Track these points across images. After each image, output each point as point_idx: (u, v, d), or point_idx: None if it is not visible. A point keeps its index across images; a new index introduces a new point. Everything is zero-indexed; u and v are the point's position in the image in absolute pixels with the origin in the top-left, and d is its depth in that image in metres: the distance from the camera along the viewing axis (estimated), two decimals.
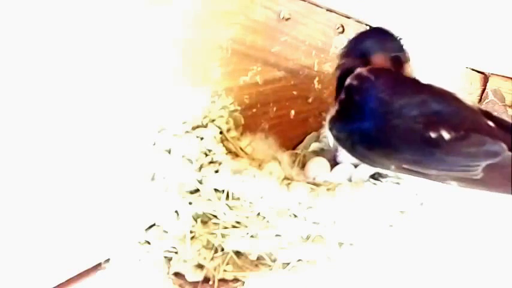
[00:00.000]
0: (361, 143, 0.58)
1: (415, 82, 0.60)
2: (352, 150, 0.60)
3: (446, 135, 0.55)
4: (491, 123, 0.57)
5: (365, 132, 0.58)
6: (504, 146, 0.54)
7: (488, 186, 0.55)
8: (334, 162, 0.71)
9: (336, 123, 0.60)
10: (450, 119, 0.57)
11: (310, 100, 0.78)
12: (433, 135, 0.55)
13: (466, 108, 0.59)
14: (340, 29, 0.77)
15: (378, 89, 0.58)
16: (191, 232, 0.61)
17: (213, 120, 0.65)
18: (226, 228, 0.61)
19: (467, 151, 0.55)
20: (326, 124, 0.62)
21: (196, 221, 0.61)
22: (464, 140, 0.55)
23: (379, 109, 0.57)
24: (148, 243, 0.62)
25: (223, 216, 0.61)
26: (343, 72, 0.62)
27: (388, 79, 0.60)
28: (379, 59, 0.62)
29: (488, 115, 0.58)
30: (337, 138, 0.61)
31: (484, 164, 0.54)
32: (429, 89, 0.59)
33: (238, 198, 0.61)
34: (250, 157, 0.66)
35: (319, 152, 0.75)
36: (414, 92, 0.58)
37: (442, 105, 0.58)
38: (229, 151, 0.65)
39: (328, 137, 0.63)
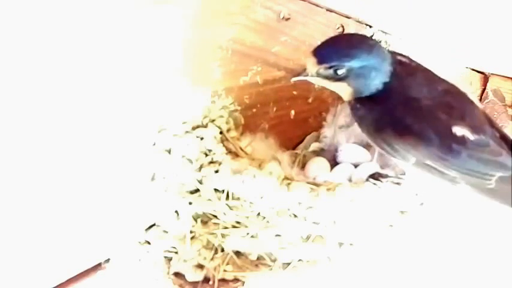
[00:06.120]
0: (392, 128, 0.56)
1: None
2: (375, 133, 0.57)
3: (470, 136, 0.55)
4: (497, 133, 0.58)
5: (398, 116, 0.56)
6: None
7: (499, 197, 0.56)
8: (334, 162, 0.71)
9: (365, 103, 0.57)
10: (471, 119, 0.57)
11: (310, 100, 0.77)
12: (458, 132, 0.55)
13: (480, 112, 0.59)
14: (340, 29, 0.77)
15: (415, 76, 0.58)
16: (191, 232, 0.61)
17: (213, 120, 0.65)
18: (226, 228, 0.61)
19: (487, 158, 0.55)
20: (346, 104, 0.60)
21: (196, 221, 0.62)
22: (486, 146, 0.55)
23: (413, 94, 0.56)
24: (148, 243, 0.63)
25: (223, 216, 0.61)
26: None
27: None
28: None
29: (491, 122, 0.59)
30: (360, 118, 0.58)
31: (497, 175, 0.55)
32: (448, 85, 0.59)
33: (238, 198, 0.61)
34: (250, 157, 0.66)
35: (319, 152, 0.75)
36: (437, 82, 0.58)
37: (461, 103, 0.58)
38: (229, 151, 0.65)
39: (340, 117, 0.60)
